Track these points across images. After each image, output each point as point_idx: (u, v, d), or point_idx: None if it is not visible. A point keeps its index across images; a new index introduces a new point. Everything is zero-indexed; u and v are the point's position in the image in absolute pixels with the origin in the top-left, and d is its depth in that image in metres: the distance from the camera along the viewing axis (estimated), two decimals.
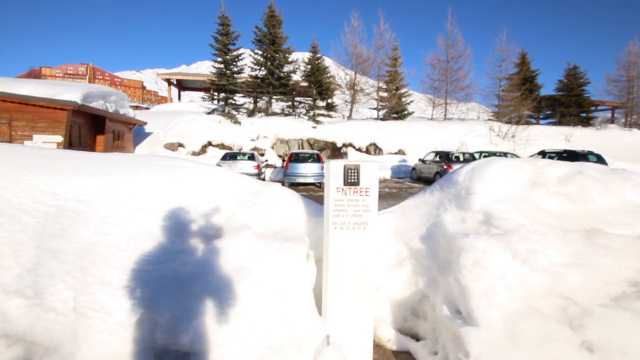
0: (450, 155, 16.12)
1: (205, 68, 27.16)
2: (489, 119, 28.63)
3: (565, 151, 16.34)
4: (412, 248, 3.21)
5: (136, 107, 36.77)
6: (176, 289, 2.32)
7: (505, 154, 17.50)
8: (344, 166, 2.51)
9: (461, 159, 16.24)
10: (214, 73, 24.91)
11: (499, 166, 3.04)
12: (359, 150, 23.00)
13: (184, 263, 2.42)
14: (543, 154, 17.32)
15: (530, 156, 18.91)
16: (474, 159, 15.86)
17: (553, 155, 16.35)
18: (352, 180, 2.53)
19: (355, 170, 2.52)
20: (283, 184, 15.35)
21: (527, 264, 2.54)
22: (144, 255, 2.55)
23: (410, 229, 3.28)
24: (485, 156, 17.55)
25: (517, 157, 17.66)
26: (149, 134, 22.83)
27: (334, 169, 2.51)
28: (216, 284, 2.26)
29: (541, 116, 34.57)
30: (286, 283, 2.47)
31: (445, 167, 15.23)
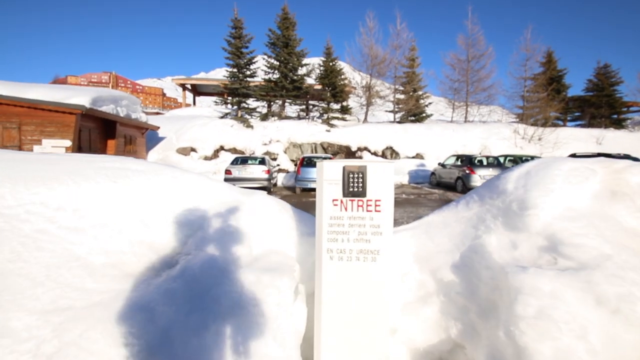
0: (473, 159, 15.04)
1: (222, 75, 27.03)
2: (513, 121, 27.20)
3: (600, 154, 15.37)
4: (440, 280, 2.39)
5: (156, 113, 37.12)
6: None
7: (532, 158, 16.39)
8: (344, 168, 1.74)
9: (485, 163, 15.15)
10: (227, 77, 24.68)
11: (565, 169, 2.20)
12: (375, 154, 22.16)
13: (106, 308, 1.68)
14: (574, 156, 16.33)
15: None
16: (499, 163, 14.77)
17: (585, 159, 15.38)
18: (356, 189, 1.75)
19: (360, 175, 1.74)
20: (295, 190, 14.78)
21: (619, 316, 1.69)
22: (64, 292, 1.84)
23: (437, 254, 2.46)
24: (510, 160, 16.44)
25: None
26: (162, 138, 22.72)
27: (328, 172, 1.74)
28: (144, 347, 1.51)
29: (569, 118, 32.90)
30: (259, 339, 1.70)
31: (467, 171, 14.22)
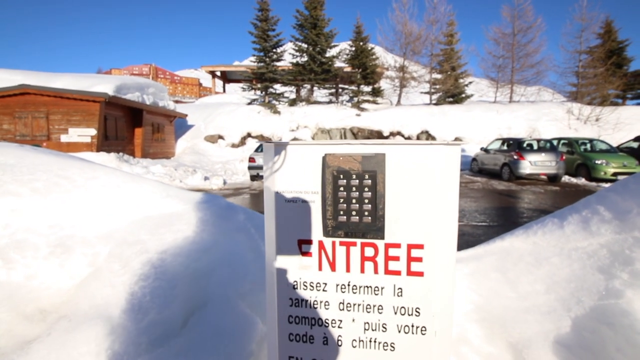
0: (522, 143, 13.24)
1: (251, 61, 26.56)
2: (566, 101, 24.40)
3: None
4: None
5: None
6: None
7: (591, 141, 14.36)
8: (325, 161, 0.69)
9: (535, 147, 13.32)
10: (254, 61, 23.99)
11: None
12: (409, 138, 20.75)
13: None
14: None
15: (624, 143, 15.55)
16: (553, 147, 12.90)
17: None
18: (357, 218, 0.69)
19: (368, 180, 0.68)
20: None
21: None
22: None
23: (524, 315, 1.36)
24: (565, 144, 14.45)
25: (608, 144, 14.34)
26: (190, 126, 22.70)
27: (288, 172, 0.69)
28: None
29: (630, 95, 29.26)
30: None
31: (516, 157, 12.55)
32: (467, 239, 5.11)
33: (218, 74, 32.76)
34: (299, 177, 0.76)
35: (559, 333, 1.29)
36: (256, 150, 14.27)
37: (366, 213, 0.73)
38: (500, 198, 9.23)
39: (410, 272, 0.76)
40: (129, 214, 1.52)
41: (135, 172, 11.12)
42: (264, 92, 24.04)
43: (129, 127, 16.77)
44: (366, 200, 0.73)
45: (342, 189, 0.73)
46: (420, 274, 0.75)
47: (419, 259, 0.75)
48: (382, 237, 0.75)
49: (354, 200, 0.73)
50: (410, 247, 0.75)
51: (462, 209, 7.92)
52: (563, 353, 1.27)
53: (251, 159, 13.47)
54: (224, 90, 35.01)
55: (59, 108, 14.01)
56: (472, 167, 15.82)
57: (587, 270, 1.26)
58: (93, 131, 14.07)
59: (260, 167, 13.24)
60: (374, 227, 0.74)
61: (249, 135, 21.84)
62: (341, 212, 0.74)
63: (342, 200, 0.73)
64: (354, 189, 0.73)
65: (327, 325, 0.80)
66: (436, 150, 0.71)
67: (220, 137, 21.93)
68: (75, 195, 1.48)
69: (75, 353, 1.10)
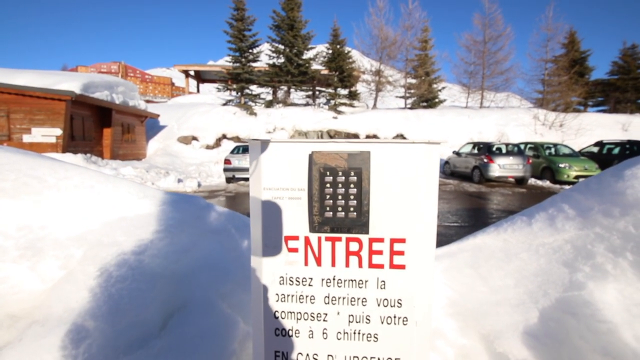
0: (491, 147, 13.82)
1: (226, 61, 26.10)
2: (532, 107, 25.65)
3: (629, 142, 14.35)
4: (501, 356, 1.38)
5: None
6: None
7: (555, 145, 15.22)
8: (312, 159, 0.71)
9: (504, 150, 13.94)
10: (230, 61, 23.65)
11: None
12: None
13: None
14: (601, 145, 15.32)
15: (586, 148, 16.61)
16: (520, 151, 13.53)
17: (612, 146, 14.34)
18: (343, 214, 0.72)
19: (354, 177, 0.71)
20: None
21: None
22: None
23: (495, 308, 1.44)
24: (531, 148, 15.23)
25: (571, 148, 15.24)
26: (163, 127, 22.00)
27: (274, 168, 0.71)
28: None
29: (590, 103, 31.18)
30: None
31: (486, 160, 13.08)
32: (440, 239, 5.27)
33: (192, 73, 32.02)
34: (285, 174, 0.78)
35: (527, 324, 1.37)
36: (232, 152, 14.06)
37: (352, 209, 0.76)
38: (471, 200, 9.57)
39: (392, 266, 0.79)
40: (103, 215, 1.47)
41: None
42: (239, 93, 23.73)
43: (97, 127, 16.06)
44: (352, 197, 0.76)
45: (328, 185, 0.76)
46: (402, 266, 0.79)
47: (401, 253, 0.79)
48: (367, 232, 0.78)
49: (340, 197, 0.75)
50: (393, 241, 0.78)
51: (436, 229, 8.14)
52: (531, 342, 1.35)
53: (227, 161, 13.26)
54: (198, 91, 34.27)
55: (21, 106, 13.23)
56: (445, 169, 16.32)
57: (553, 264, 1.35)
58: (58, 131, 13.38)
59: (237, 170, 13.05)
60: (359, 222, 0.76)
61: (224, 136, 21.49)
62: (327, 208, 0.76)
63: (328, 196, 0.76)
64: (340, 185, 0.75)
65: (312, 319, 0.82)
66: (418, 149, 0.75)
67: (195, 138, 21.44)
68: (46, 196, 1.42)
69: (50, 358, 1.06)
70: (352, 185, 0.75)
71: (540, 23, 26.70)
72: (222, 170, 13.87)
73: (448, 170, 15.97)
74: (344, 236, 0.79)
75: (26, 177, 1.42)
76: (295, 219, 0.80)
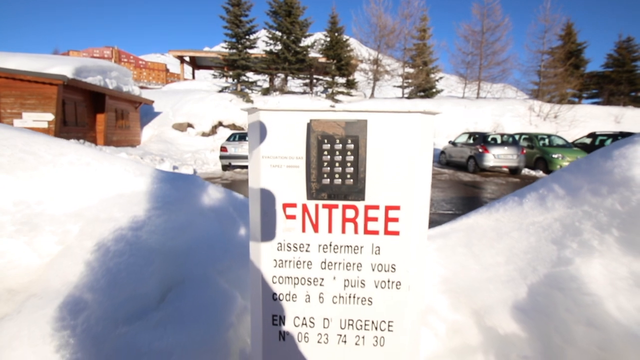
0: (486, 137, 13.88)
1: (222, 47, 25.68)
2: (528, 98, 25.73)
3: (621, 134, 14.58)
4: (491, 330, 1.43)
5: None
6: None
7: (549, 136, 15.36)
8: (310, 127, 0.72)
9: (499, 141, 14.01)
10: (225, 47, 23.31)
11: None
12: None
13: None
14: (593, 136, 15.50)
15: (579, 139, 16.78)
16: (515, 141, 13.61)
17: (605, 138, 14.53)
18: (340, 181, 0.73)
19: (351, 144, 0.72)
20: None
21: None
22: None
23: (486, 284, 1.48)
24: (526, 139, 15.35)
25: (564, 140, 15.38)
26: (157, 113, 21.75)
27: (272, 136, 0.72)
28: None
29: (585, 95, 31.34)
30: None
31: (480, 150, 13.16)
32: (434, 227, 5.33)
33: (187, 59, 31.52)
34: (284, 143, 0.79)
35: (516, 299, 1.41)
36: (228, 139, 13.98)
37: (348, 176, 0.78)
38: (466, 189, 9.66)
39: (387, 232, 0.81)
40: (100, 191, 1.47)
41: None
42: (236, 80, 23.48)
43: (90, 113, 15.84)
44: (349, 164, 0.77)
45: (326, 153, 0.77)
46: (397, 233, 0.81)
47: (396, 220, 0.81)
48: (363, 199, 0.80)
49: (337, 164, 0.77)
50: (388, 208, 0.80)
51: (430, 198, 8.22)
52: (520, 316, 1.39)
53: (223, 148, 13.20)
54: (193, 77, 33.81)
55: (12, 90, 12.98)
56: (441, 159, 16.37)
57: (542, 242, 1.39)
58: (50, 116, 13.18)
59: (233, 157, 12.99)
60: (355, 189, 0.78)
61: (220, 124, 21.31)
62: (325, 175, 0.78)
63: (326, 163, 0.77)
64: (337, 153, 0.77)
65: (309, 283, 0.84)
66: (414, 118, 0.77)
67: (190, 125, 21.25)
68: (42, 171, 1.42)
69: (49, 328, 1.07)
70: (349, 153, 0.77)
71: (538, 14, 26.59)
72: (218, 157, 13.80)
73: (444, 160, 16.03)
74: (340, 203, 0.81)
75: (22, 152, 1.41)
76: (293, 187, 0.81)
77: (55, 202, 1.39)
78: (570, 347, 1.23)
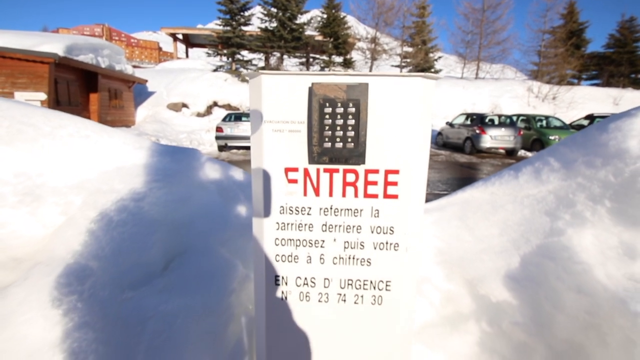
0: (484, 118, 13.85)
1: (216, 24, 25.01)
2: (528, 79, 25.53)
3: None
4: (483, 298, 1.49)
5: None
6: None
7: (546, 118, 15.34)
8: (312, 90, 0.73)
9: (496, 122, 14.00)
10: (219, 24, 22.72)
11: None
12: None
13: None
14: (591, 118, 15.53)
15: (576, 121, 16.77)
16: (512, 122, 13.60)
17: (602, 120, 14.58)
18: (341, 145, 0.76)
19: (352, 108, 0.74)
20: None
21: None
22: None
23: (479, 255, 1.53)
24: (523, 120, 15.33)
25: (562, 121, 15.37)
26: (151, 93, 21.38)
27: (273, 100, 0.74)
28: None
29: (584, 76, 31.11)
30: None
31: (477, 131, 13.14)
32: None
33: (180, 37, 30.75)
34: (286, 107, 0.80)
35: (509, 269, 1.46)
36: (224, 120, 13.85)
37: (349, 139, 0.79)
38: (462, 170, 9.72)
39: (386, 195, 0.84)
40: (100, 164, 1.48)
41: None
42: (230, 59, 23.00)
43: (83, 93, 15.55)
44: (350, 127, 0.79)
45: (327, 116, 0.78)
46: (395, 196, 0.84)
47: (395, 183, 0.83)
48: (363, 162, 0.82)
49: (338, 127, 0.78)
50: (387, 172, 0.83)
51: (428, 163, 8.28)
52: (511, 284, 1.44)
53: (219, 129, 13.08)
54: (187, 56, 33.07)
55: (3, 69, 12.67)
56: (437, 140, 16.35)
57: (536, 214, 1.43)
58: (43, 95, 12.93)
59: (229, 137, 12.89)
60: (356, 153, 0.80)
61: (215, 104, 21.03)
62: (326, 139, 0.79)
63: (327, 127, 0.79)
64: (338, 116, 0.78)
65: (310, 245, 0.87)
66: (414, 82, 0.78)
67: (185, 105, 20.95)
68: (41, 144, 1.42)
69: (57, 293, 1.11)
70: (350, 117, 0.78)
71: None
72: (213, 138, 13.70)
73: (440, 142, 16.02)
74: (341, 167, 0.83)
75: (20, 124, 1.41)
76: (295, 151, 0.83)
77: (56, 174, 1.40)
78: (560, 313, 1.29)
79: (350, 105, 0.76)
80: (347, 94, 0.76)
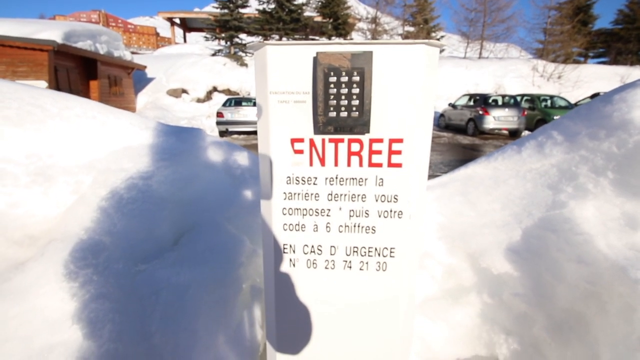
0: (487, 99, 13.67)
1: (213, 7, 24.54)
2: (533, 58, 25.04)
3: None
4: (485, 271, 1.52)
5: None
6: None
7: (551, 97, 15.10)
8: (317, 60, 0.75)
9: (500, 102, 13.81)
10: (216, 7, 22.30)
11: None
12: None
13: None
14: (597, 97, 15.09)
15: (581, 100, 16.49)
16: (516, 103, 13.42)
17: None
18: (346, 115, 0.78)
19: (357, 77, 0.76)
20: None
21: None
22: None
23: (481, 229, 1.56)
24: (527, 100, 15.11)
25: (567, 101, 15.14)
26: (151, 79, 21.20)
27: (279, 70, 0.75)
28: None
29: (591, 54, 30.43)
30: None
31: (481, 112, 12.98)
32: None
33: (177, 21, 30.26)
34: (291, 78, 0.82)
35: (510, 242, 1.49)
36: (224, 105, 13.77)
37: (354, 108, 0.81)
38: (465, 152, 9.69)
39: (390, 164, 0.86)
40: (108, 144, 1.51)
41: None
42: (229, 43, 22.67)
43: (83, 80, 15.44)
44: (354, 96, 0.80)
45: (332, 85, 0.80)
46: (399, 165, 0.86)
47: (399, 152, 0.85)
48: (368, 132, 0.84)
49: (343, 97, 0.80)
50: (391, 141, 0.85)
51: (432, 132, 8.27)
52: (512, 257, 1.48)
53: (219, 114, 13.03)
54: (185, 40, 32.62)
55: (2, 58, 12.57)
56: (439, 122, 16.18)
57: (538, 187, 1.45)
58: (44, 83, 12.85)
59: (230, 123, 12.85)
60: (361, 122, 0.82)
61: (215, 89, 20.86)
62: (331, 108, 0.81)
63: (332, 96, 0.80)
64: (343, 85, 0.80)
65: (317, 214, 0.90)
66: (418, 50, 0.79)
67: (184, 91, 20.81)
68: (50, 125, 1.44)
69: (73, 267, 1.15)
70: (354, 85, 0.80)
71: None
72: (214, 124, 13.65)
73: (443, 123, 15.86)
74: (346, 137, 0.85)
75: (29, 105, 1.43)
76: (301, 122, 0.85)
77: (66, 154, 1.43)
78: (560, 283, 1.33)
79: (355, 73, 0.78)
80: (351, 63, 0.78)
